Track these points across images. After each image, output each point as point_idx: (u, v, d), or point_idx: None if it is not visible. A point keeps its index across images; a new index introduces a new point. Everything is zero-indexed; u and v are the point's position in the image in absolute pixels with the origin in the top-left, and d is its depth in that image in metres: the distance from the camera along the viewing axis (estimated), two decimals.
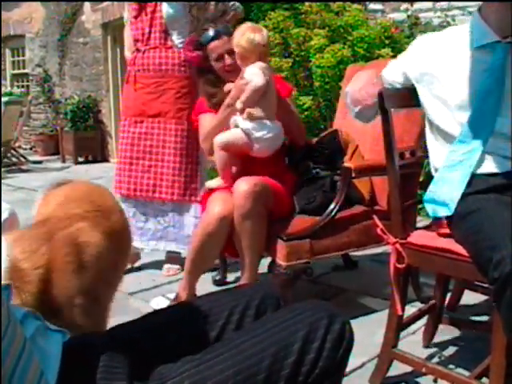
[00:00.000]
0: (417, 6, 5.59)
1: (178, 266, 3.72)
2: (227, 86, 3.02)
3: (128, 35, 3.82)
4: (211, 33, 3.14)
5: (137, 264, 3.88)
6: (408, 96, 2.23)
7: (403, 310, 2.18)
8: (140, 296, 3.39)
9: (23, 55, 11.70)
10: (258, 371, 1.19)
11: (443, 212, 2.02)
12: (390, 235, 2.14)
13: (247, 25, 2.97)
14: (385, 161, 2.52)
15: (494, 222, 1.79)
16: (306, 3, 5.44)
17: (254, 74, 2.85)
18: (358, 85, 2.26)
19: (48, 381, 1.10)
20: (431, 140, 2.21)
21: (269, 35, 3.09)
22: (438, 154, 2.15)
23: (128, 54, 3.84)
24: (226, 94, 3.04)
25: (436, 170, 2.16)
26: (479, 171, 2.01)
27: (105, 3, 9.25)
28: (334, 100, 5.03)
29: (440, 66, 2.12)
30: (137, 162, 3.69)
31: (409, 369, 2.30)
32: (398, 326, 2.19)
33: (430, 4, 5.52)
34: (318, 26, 5.34)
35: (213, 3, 3.67)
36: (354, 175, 2.75)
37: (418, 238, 2.11)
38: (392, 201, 2.18)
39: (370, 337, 2.61)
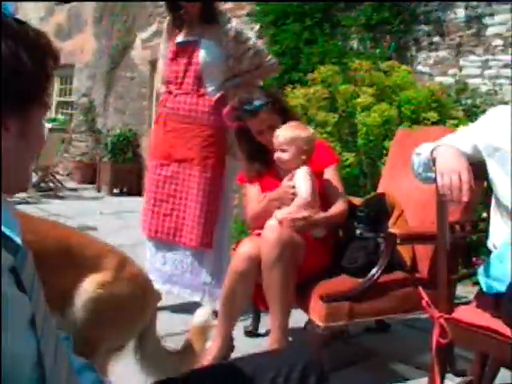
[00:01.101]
0: (465, 71, 5.62)
1: None
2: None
3: (162, 70, 3.88)
4: (250, 109, 3.11)
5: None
6: (479, 171, 2.19)
7: None
8: (172, 340, 3.38)
9: (71, 84, 11.96)
10: None
11: (498, 288, 2.00)
12: (434, 309, 2.13)
13: (294, 122, 3.06)
14: (429, 229, 2.53)
15: None
16: (357, 61, 5.50)
17: (302, 184, 2.92)
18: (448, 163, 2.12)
19: None
20: (495, 216, 2.21)
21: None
22: (500, 231, 2.14)
23: (161, 87, 3.88)
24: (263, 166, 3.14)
25: (494, 245, 2.15)
26: None
27: (154, 41, 9.44)
28: (376, 158, 5.07)
29: (506, 142, 2.12)
30: (160, 204, 3.73)
31: None
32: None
33: (478, 71, 5.55)
34: (365, 83, 5.39)
35: (249, 55, 3.73)
36: (399, 241, 2.75)
37: (463, 314, 2.10)
38: (440, 274, 2.18)
39: None
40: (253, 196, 3.19)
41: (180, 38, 3.75)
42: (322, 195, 3.01)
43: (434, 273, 2.80)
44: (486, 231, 2.34)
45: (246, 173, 3.21)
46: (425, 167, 2.25)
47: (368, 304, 2.74)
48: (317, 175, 3.01)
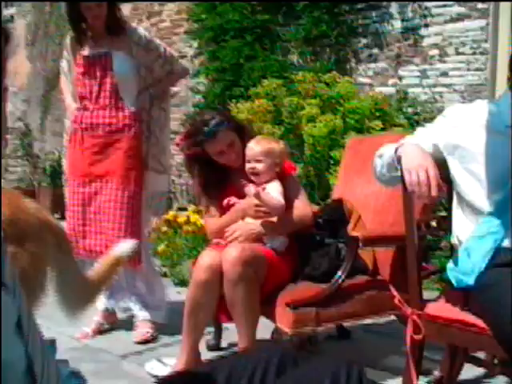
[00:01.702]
0: (404, 81, 5.75)
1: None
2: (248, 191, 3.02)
3: (67, 87, 3.82)
4: (208, 131, 3.07)
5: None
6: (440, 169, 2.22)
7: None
8: (133, 359, 3.32)
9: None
10: None
11: (468, 281, 2.05)
12: (407, 306, 2.15)
13: (263, 137, 3.15)
14: (390, 232, 2.57)
15: None
16: (300, 73, 5.56)
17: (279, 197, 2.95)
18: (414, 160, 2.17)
19: None
20: (458, 212, 2.25)
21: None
22: (465, 226, 2.19)
23: (71, 103, 3.79)
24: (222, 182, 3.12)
25: (459, 241, 2.20)
26: (504, 245, 2.05)
27: None
28: (323, 169, 5.12)
29: (473, 141, 2.18)
30: (89, 223, 3.65)
31: None
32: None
33: (417, 80, 5.68)
34: (309, 95, 5.45)
35: (160, 63, 3.72)
36: (360, 244, 2.78)
37: (434, 309, 2.13)
38: (410, 272, 2.21)
39: None
40: (212, 214, 3.18)
41: (89, 52, 3.66)
42: (286, 203, 3.02)
43: (395, 275, 2.85)
44: (445, 230, 2.39)
45: (203, 203, 3.19)
46: (389, 167, 2.28)
47: (334, 309, 2.76)
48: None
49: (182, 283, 4.78)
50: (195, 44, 7.35)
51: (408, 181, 2.10)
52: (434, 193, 2.03)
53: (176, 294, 4.57)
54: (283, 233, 2.97)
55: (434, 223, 2.52)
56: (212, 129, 3.06)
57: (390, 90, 5.80)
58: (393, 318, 3.42)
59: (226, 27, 6.65)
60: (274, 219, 2.97)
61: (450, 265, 2.15)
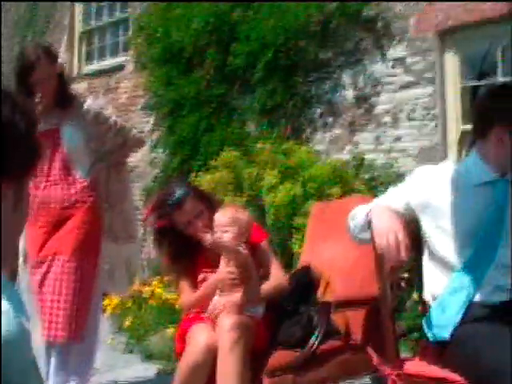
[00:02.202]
0: (360, 147, 5.91)
1: None
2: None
3: None
4: (174, 202, 3.08)
5: None
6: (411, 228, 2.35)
7: None
8: None
9: None
10: None
11: (444, 335, 2.13)
12: (385, 366, 2.18)
13: (229, 206, 3.17)
14: (361, 294, 2.62)
15: (494, 347, 1.89)
16: (259, 144, 5.69)
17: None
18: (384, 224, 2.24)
19: None
20: (429, 267, 2.33)
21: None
22: (437, 281, 2.26)
23: None
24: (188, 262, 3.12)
25: (433, 296, 2.26)
26: (477, 299, 2.12)
27: None
28: (286, 237, 5.17)
29: (442, 199, 2.28)
30: (44, 309, 3.47)
31: None
32: None
33: (372, 146, 5.85)
34: (268, 165, 5.55)
35: (109, 135, 3.70)
36: (332, 309, 2.81)
37: (412, 367, 2.16)
38: (386, 332, 2.25)
39: None
40: (185, 288, 3.16)
41: (38, 127, 3.57)
42: (262, 271, 3.04)
43: (369, 336, 2.88)
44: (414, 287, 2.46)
45: (172, 276, 3.18)
46: (361, 229, 2.36)
47: (310, 374, 2.76)
48: (250, 250, 3.04)
49: (150, 358, 4.73)
50: (152, 119, 7.45)
51: (378, 244, 2.16)
52: (403, 256, 2.10)
53: (144, 371, 4.53)
54: (261, 301, 2.98)
55: (402, 283, 2.58)
56: (177, 199, 3.06)
57: (347, 156, 5.95)
58: (367, 380, 3.45)
59: (182, 102, 6.78)
60: (252, 288, 2.96)
61: (424, 320, 2.22)
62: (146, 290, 5.68)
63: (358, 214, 2.40)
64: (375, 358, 2.23)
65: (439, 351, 2.16)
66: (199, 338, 2.79)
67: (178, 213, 3.07)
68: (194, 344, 2.79)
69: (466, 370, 1.97)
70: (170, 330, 4.75)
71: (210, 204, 3.17)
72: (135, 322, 5.21)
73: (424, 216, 2.33)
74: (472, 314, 2.11)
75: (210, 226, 3.06)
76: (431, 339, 2.18)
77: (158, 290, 5.51)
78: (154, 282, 5.78)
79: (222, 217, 3.01)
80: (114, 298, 5.61)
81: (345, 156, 5.97)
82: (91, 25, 8.98)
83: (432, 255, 2.34)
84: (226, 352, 2.67)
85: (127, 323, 5.22)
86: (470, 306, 2.14)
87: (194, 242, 3.13)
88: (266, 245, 3.20)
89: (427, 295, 2.33)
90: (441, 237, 2.28)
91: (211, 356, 2.72)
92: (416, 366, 2.16)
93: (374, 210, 2.29)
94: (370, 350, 2.30)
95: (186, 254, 3.14)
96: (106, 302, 5.78)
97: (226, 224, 2.98)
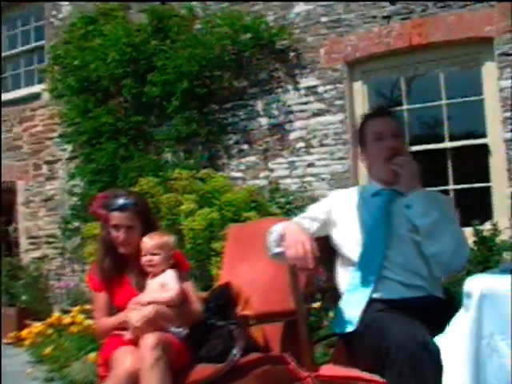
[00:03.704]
0: (275, 173, 6.12)
1: None
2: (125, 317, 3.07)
3: None
4: (119, 203, 3.22)
5: None
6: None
7: None
8: None
9: None
10: None
11: (348, 329, 2.39)
12: (302, 370, 2.34)
13: (158, 231, 3.26)
14: (277, 308, 2.79)
15: (395, 324, 2.18)
16: (176, 171, 5.82)
17: (173, 282, 3.10)
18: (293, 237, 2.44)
19: None
20: (339, 266, 2.65)
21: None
22: (343, 278, 2.57)
23: None
24: (115, 268, 3.21)
25: (343, 292, 2.54)
26: (377, 296, 2.42)
27: None
28: (205, 260, 5.28)
29: (342, 213, 2.65)
30: None
31: None
32: None
33: (286, 171, 6.07)
34: (186, 191, 5.68)
35: None
36: (251, 323, 2.95)
37: (327, 370, 2.33)
38: (302, 339, 2.41)
39: None
40: (100, 305, 3.23)
41: None
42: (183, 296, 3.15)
43: (285, 348, 3.03)
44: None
45: (97, 269, 3.24)
46: (276, 243, 2.54)
47: None
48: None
49: None
50: (70, 147, 7.47)
51: (288, 255, 2.36)
52: (310, 265, 2.31)
53: None
54: (181, 324, 3.08)
55: (318, 295, 2.77)
56: (123, 203, 3.21)
57: (263, 182, 6.15)
58: None
59: (100, 130, 6.84)
60: (168, 310, 3.06)
61: (334, 315, 2.45)
62: (67, 318, 5.67)
63: (274, 230, 2.59)
64: (292, 364, 2.38)
65: (348, 344, 2.40)
66: (123, 362, 2.84)
67: (114, 214, 3.20)
68: (118, 368, 2.84)
69: (373, 350, 2.16)
70: (92, 356, 4.77)
71: (149, 230, 3.26)
72: (56, 350, 5.19)
73: (332, 227, 2.67)
74: (373, 309, 2.37)
75: (129, 243, 3.17)
76: (338, 331, 2.45)
77: (79, 318, 5.52)
78: (74, 310, 5.78)
79: (149, 241, 3.14)
80: (34, 327, 5.59)
81: (261, 181, 6.17)
82: (4, 52, 8.88)
83: (341, 258, 2.61)
84: (148, 369, 2.75)
85: (47, 352, 5.19)
86: (371, 301, 2.40)
87: (123, 263, 3.22)
88: (188, 275, 3.35)
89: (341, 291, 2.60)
90: (343, 240, 2.62)
91: (135, 380, 2.78)
92: (330, 369, 2.33)
93: (287, 226, 2.48)
94: (287, 356, 2.45)
95: (113, 268, 3.22)
96: (24, 332, 5.76)
97: (154, 247, 3.12)
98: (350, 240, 2.60)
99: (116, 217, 3.21)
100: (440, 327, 2.18)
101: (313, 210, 2.79)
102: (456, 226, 2.55)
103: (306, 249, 2.32)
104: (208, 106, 6.48)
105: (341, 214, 2.68)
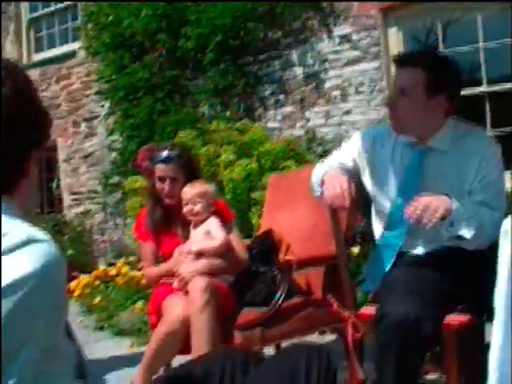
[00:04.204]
0: (311, 122, 6.15)
1: None
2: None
3: None
4: (164, 155, 3.29)
5: None
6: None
7: None
8: None
9: None
10: None
11: (374, 286, 2.49)
12: (345, 311, 2.43)
13: (199, 180, 3.32)
14: (319, 253, 2.86)
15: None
16: (214, 123, 5.88)
17: (218, 230, 3.20)
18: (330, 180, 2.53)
19: None
20: (373, 214, 2.68)
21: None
22: (377, 228, 2.63)
23: None
24: (163, 219, 3.30)
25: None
26: (404, 250, 2.49)
27: None
28: (245, 210, 5.38)
29: (371, 158, 2.63)
30: None
31: None
32: None
33: (323, 120, 6.09)
34: (224, 143, 5.75)
35: None
36: (293, 268, 3.04)
37: (368, 311, 2.41)
38: (344, 282, 2.49)
39: None
40: (147, 255, 3.35)
41: None
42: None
43: (328, 292, 3.12)
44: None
45: (147, 221, 3.35)
46: (317, 186, 2.62)
47: (276, 328, 2.99)
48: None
49: (120, 333, 4.91)
50: (107, 103, 7.56)
51: (326, 195, 2.46)
52: (346, 203, 2.39)
53: (116, 344, 4.71)
54: (227, 272, 3.18)
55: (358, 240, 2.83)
56: (168, 155, 3.28)
57: (299, 131, 6.18)
58: (330, 338, 3.71)
59: (136, 85, 6.91)
60: (217, 262, 3.17)
61: (364, 271, 2.51)
62: (112, 270, 5.85)
63: (316, 172, 2.69)
64: (334, 306, 2.47)
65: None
66: (175, 308, 2.96)
67: (158, 166, 3.29)
68: (170, 314, 2.96)
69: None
70: (139, 306, 4.95)
71: (192, 179, 3.33)
72: (104, 300, 5.38)
73: (361, 174, 2.66)
74: (401, 263, 2.43)
75: (174, 195, 3.26)
76: (364, 289, 2.57)
77: (124, 269, 5.69)
78: (119, 262, 5.96)
79: (190, 190, 3.22)
80: (81, 279, 5.79)
81: (297, 131, 6.21)
82: (38, 12, 8.94)
83: (376, 210, 2.65)
84: (197, 312, 2.86)
85: (96, 302, 5.38)
86: (399, 256, 2.46)
87: (173, 210, 3.32)
88: (233, 224, 3.44)
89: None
90: (375, 191, 2.62)
91: (186, 326, 2.89)
92: (371, 310, 2.41)
93: (327, 172, 2.55)
94: (330, 298, 2.53)
95: (161, 211, 3.33)
96: (73, 285, 5.95)
97: (195, 196, 3.20)
98: (380, 191, 2.60)
99: (160, 169, 3.29)
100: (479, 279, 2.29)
101: (339, 156, 2.78)
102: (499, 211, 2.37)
103: (342, 188, 2.40)
104: (243, 58, 6.49)
105: (369, 160, 2.63)
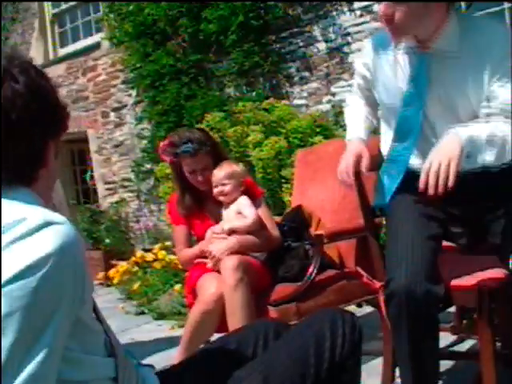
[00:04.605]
0: (338, 97, 6.13)
1: None
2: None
3: None
4: (188, 148, 3.27)
5: None
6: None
7: None
8: None
9: None
10: (309, 356, 1.53)
11: (383, 201, 2.41)
12: (375, 281, 2.44)
13: (225, 162, 3.34)
14: (350, 226, 2.88)
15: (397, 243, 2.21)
16: (240, 104, 5.90)
17: (248, 209, 3.24)
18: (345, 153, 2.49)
19: None
20: (382, 127, 2.57)
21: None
22: (385, 145, 2.52)
23: None
24: (194, 203, 3.35)
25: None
26: (413, 167, 2.37)
27: None
28: (276, 188, 5.41)
29: (378, 69, 2.46)
30: None
31: None
32: (394, 360, 2.47)
33: (348, 94, 6.05)
34: (251, 123, 5.77)
35: None
36: (325, 241, 3.07)
37: None
38: (373, 253, 2.50)
39: None
40: (180, 238, 3.40)
41: None
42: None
43: (359, 263, 3.14)
44: None
45: (178, 206, 3.39)
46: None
47: (311, 302, 3.03)
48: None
49: (161, 317, 4.99)
50: (134, 92, 7.63)
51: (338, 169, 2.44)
52: (347, 180, 2.38)
53: (157, 327, 4.79)
54: (260, 250, 3.22)
55: None
56: (193, 148, 3.27)
57: (326, 106, 6.17)
58: (369, 310, 3.73)
59: (161, 72, 6.95)
60: (248, 238, 3.20)
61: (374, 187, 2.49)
62: (149, 255, 5.94)
63: (346, 115, 2.75)
64: (365, 277, 2.48)
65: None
66: (209, 288, 3.01)
67: (186, 161, 3.30)
68: (204, 293, 3.02)
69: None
70: (177, 288, 5.02)
71: (219, 160, 3.37)
72: (143, 285, 5.47)
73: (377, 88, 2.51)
74: (409, 181, 2.29)
75: (207, 182, 3.30)
76: (375, 204, 2.49)
77: (161, 254, 5.77)
78: (156, 248, 6.04)
79: (219, 172, 3.26)
80: (120, 267, 5.89)
81: (324, 106, 6.19)
82: (61, 7, 9.02)
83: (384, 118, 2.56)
84: (230, 290, 2.91)
85: (135, 288, 5.47)
86: (409, 173, 2.34)
87: (203, 193, 3.37)
88: (262, 201, 3.45)
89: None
90: (383, 102, 2.49)
91: (221, 304, 2.95)
92: None
93: (349, 141, 2.56)
94: (360, 270, 2.55)
95: (191, 196, 3.37)
96: (112, 272, 6.05)
97: (223, 177, 3.24)
98: (386, 105, 2.47)
99: (188, 163, 3.30)
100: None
101: (358, 80, 2.67)
102: None
103: (347, 164, 2.38)
104: (265, 37, 6.47)
105: (375, 72, 2.46)
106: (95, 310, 1.27)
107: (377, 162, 2.49)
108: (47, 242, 1.08)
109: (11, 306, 1.03)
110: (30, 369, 1.03)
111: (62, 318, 1.08)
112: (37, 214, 1.13)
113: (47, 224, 1.10)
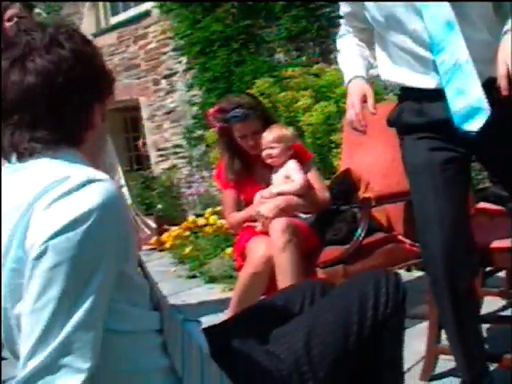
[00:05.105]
0: None
1: None
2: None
3: None
4: (238, 114, 3.28)
5: None
6: None
7: None
8: None
9: None
10: (352, 314, 1.56)
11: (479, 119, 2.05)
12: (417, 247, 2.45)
13: (274, 125, 3.36)
14: (398, 189, 2.87)
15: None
16: (289, 69, 5.89)
17: (296, 173, 3.27)
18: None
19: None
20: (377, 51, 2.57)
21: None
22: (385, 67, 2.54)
23: None
24: (243, 168, 3.38)
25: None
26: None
27: None
28: (326, 153, 5.41)
29: None
30: None
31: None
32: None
33: None
34: (301, 88, 5.76)
35: None
36: (373, 204, 3.08)
37: None
38: None
39: (407, 349, 2.86)
40: (229, 202, 3.45)
41: None
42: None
43: (408, 227, 3.15)
44: None
45: (227, 172, 3.43)
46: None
47: (359, 264, 3.06)
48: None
49: (212, 280, 5.08)
50: (184, 59, 7.68)
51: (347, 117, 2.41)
52: (358, 126, 2.35)
53: (209, 291, 4.88)
54: (309, 212, 3.25)
55: None
56: (243, 113, 3.29)
57: (375, 70, 6.07)
58: (418, 274, 3.73)
59: (211, 39, 6.98)
60: (296, 199, 3.24)
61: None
62: (201, 220, 6.03)
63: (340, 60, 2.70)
64: (407, 242, 2.49)
65: None
66: (258, 250, 3.06)
67: (236, 126, 3.33)
68: (253, 256, 3.07)
69: None
70: (228, 252, 5.09)
71: (268, 123, 3.40)
72: (194, 250, 5.57)
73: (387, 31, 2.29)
74: None
75: (258, 146, 3.33)
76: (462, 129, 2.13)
77: (212, 219, 5.85)
78: (207, 213, 6.12)
79: (268, 135, 3.29)
80: (172, 232, 6.00)
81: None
82: None
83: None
84: (279, 252, 2.96)
85: (187, 252, 5.58)
86: None
87: (246, 156, 3.40)
88: (311, 163, 3.49)
89: None
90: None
91: (270, 266, 3.00)
92: None
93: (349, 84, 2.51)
94: (401, 237, 2.56)
95: (240, 161, 3.40)
96: (164, 237, 6.17)
97: (272, 141, 3.26)
98: (392, 23, 2.19)
99: (239, 128, 3.31)
100: None
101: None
102: None
103: (355, 110, 2.34)
104: (314, 2, 6.43)
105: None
106: (141, 266, 1.33)
107: None
108: (90, 198, 1.14)
109: (58, 258, 1.10)
110: (78, 316, 1.10)
111: (106, 270, 1.15)
112: (80, 172, 1.20)
113: (90, 181, 1.17)
